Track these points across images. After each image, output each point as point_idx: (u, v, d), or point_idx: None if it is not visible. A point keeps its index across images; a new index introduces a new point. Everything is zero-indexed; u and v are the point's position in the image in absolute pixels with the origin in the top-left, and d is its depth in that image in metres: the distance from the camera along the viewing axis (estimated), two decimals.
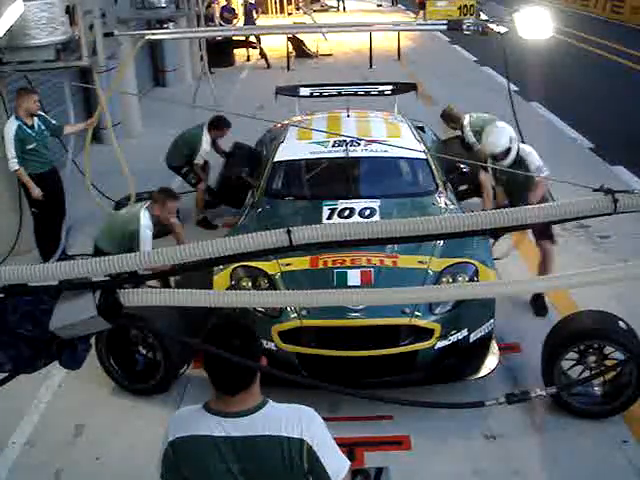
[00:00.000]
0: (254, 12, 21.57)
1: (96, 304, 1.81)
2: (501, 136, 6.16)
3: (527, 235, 6.61)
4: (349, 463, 2.49)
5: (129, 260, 1.76)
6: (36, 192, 7.12)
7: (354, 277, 5.13)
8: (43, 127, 7.31)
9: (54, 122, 7.54)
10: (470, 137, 8.07)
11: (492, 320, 5.25)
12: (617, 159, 10.40)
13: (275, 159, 6.96)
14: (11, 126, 6.99)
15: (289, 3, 31.84)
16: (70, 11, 6.12)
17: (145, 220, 5.91)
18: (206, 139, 8.41)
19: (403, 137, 7.26)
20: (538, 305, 6.37)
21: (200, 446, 2.42)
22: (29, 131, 7.12)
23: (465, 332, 5.08)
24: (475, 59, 19.61)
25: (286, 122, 8.05)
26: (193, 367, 5.55)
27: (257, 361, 2.43)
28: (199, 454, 2.43)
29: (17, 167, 7.04)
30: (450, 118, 8.57)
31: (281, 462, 2.38)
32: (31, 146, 7.11)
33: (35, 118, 7.21)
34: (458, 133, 8.48)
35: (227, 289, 5.13)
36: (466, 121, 8.21)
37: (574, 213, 1.73)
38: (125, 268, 1.78)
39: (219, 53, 18.19)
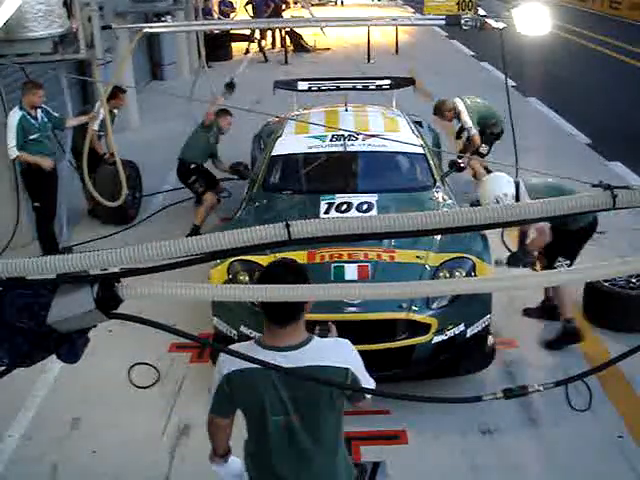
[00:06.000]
0: (264, 9, 19.77)
1: (94, 297, 1.80)
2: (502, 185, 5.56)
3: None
4: (373, 381, 2.94)
5: (126, 254, 1.75)
6: (47, 163, 7.22)
7: (351, 272, 5.12)
8: (46, 119, 7.44)
9: (56, 115, 7.65)
10: (467, 122, 8.30)
11: (489, 315, 5.26)
12: (614, 155, 10.41)
13: (273, 153, 6.95)
14: (15, 115, 7.15)
15: None
16: (68, 4, 6.10)
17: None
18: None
19: (401, 132, 7.25)
20: (546, 309, 6.11)
21: (254, 376, 2.74)
22: (32, 121, 7.25)
23: (462, 327, 5.08)
24: (473, 54, 19.59)
25: (284, 116, 8.04)
26: (190, 362, 5.57)
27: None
28: (253, 384, 2.76)
29: (17, 153, 7.12)
30: (445, 108, 8.57)
31: (327, 388, 2.77)
32: (33, 136, 7.23)
33: (39, 110, 7.35)
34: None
35: (224, 283, 5.13)
36: (461, 106, 8.38)
37: (573, 209, 1.73)
38: (123, 262, 1.77)
39: (217, 47, 18.10)
